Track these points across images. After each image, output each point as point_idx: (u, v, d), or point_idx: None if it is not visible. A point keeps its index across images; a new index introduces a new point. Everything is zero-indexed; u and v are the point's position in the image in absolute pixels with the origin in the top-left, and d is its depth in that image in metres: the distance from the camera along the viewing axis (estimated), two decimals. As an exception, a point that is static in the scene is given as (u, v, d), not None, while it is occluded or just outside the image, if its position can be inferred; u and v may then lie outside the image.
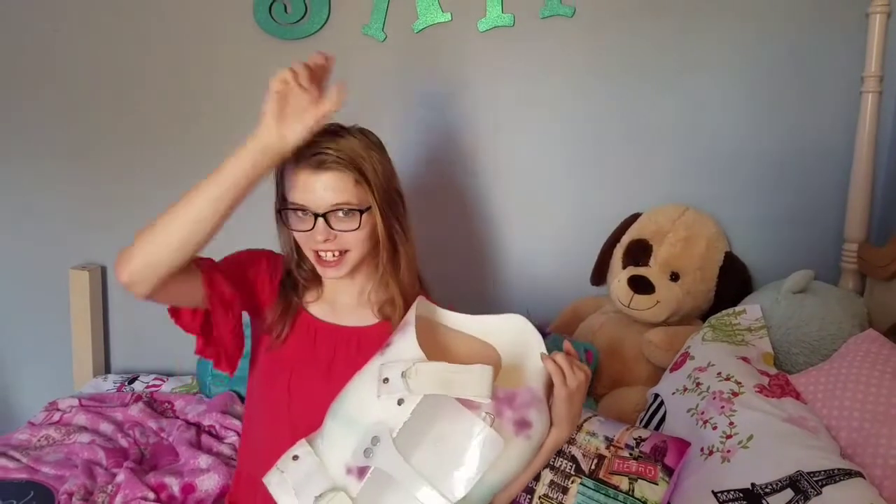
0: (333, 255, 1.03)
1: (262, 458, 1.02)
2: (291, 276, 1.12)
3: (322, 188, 0.99)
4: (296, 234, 1.04)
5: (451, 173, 1.80)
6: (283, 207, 1.04)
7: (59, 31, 1.84)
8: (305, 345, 1.09)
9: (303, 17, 1.74)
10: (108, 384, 1.87)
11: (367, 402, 0.86)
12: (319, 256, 1.03)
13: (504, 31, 1.70)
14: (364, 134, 1.05)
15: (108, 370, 2.00)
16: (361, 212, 1.01)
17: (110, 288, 1.98)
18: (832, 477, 0.95)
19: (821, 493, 0.93)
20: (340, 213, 1.00)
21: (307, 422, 0.98)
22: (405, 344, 0.89)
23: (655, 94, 1.69)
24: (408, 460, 0.82)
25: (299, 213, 1.01)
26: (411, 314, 0.93)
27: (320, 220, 0.99)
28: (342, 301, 1.13)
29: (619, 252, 1.64)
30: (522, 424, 0.86)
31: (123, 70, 1.85)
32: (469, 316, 1.01)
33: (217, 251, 1.07)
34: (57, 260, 1.94)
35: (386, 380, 0.84)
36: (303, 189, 1.00)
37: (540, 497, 1.15)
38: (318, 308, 1.12)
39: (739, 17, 1.64)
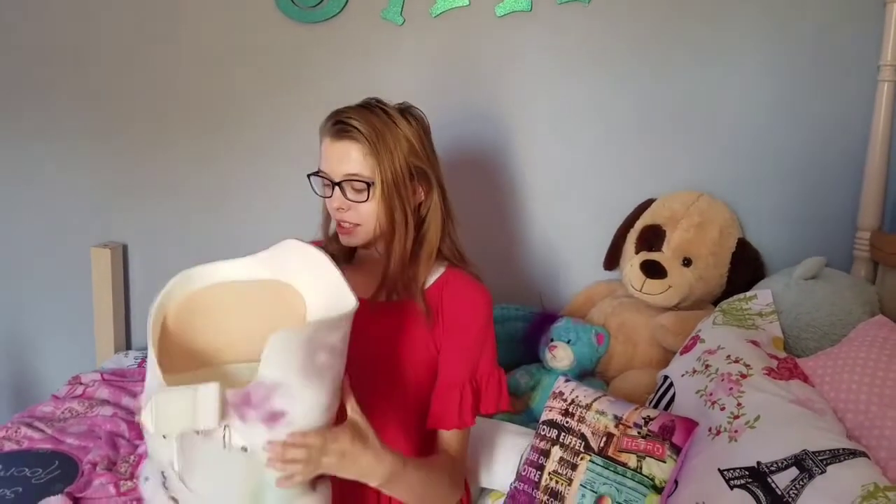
0: (350, 225, 1.06)
1: None
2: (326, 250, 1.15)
3: (337, 157, 1.03)
4: (323, 200, 1.10)
5: (466, 157, 1.82)
6: (312, 174, 1.08)
7: (85, 17, 1.88)
8: None
9: (322, 1, 1.76)
10: (129, 360, 1.93)
11: (153, 439, 0.84)
12: (340, 224, 1.07)
13: (521, 15, 1.71)
14: (400, 112, 1.06)
15: (128, 346, 2.06)
16: (369, 185, 1.02)
17: (131, 266, 2.03)
18: (837, 456, 0.97)
19: (825, 471, 0.95)
20: (354, 186, 1.03)
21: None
22: (150, 372, 0.83)
23: (672, 82, 1.70)
24: (190, 487, 0.81)
25: (324, 180, 1.06)
26: (150, 323, 0.84)
27: (337, 188, 1.03)
28: (370, 272, 1.13)
29: (632, 237, 1.66)
30: (273, 417, 0.80)
31: (147, 56, 1.90)
32: (240, 261, 0.93)
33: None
34: (80, 238, 2.00)
35: None
36: (325, 157, 1.05)
37: (549, 473, 1.19)
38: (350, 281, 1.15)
39: (759, 6, 1.64)
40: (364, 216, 1.05)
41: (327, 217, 1.14)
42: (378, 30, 1.76)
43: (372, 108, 1.05)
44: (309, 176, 1.09)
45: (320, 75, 1.83)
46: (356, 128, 1.01)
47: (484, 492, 1.33)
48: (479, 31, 1.74)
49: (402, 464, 0.96)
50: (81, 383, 1.76)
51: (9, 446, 1.47)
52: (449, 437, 1.11)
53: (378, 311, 1.10)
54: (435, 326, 1.10)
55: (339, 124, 1.02)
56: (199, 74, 1.88)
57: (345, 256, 1.15)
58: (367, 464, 0.90)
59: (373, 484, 0.93)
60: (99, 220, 2.00)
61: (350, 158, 1.02)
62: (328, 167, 1.05)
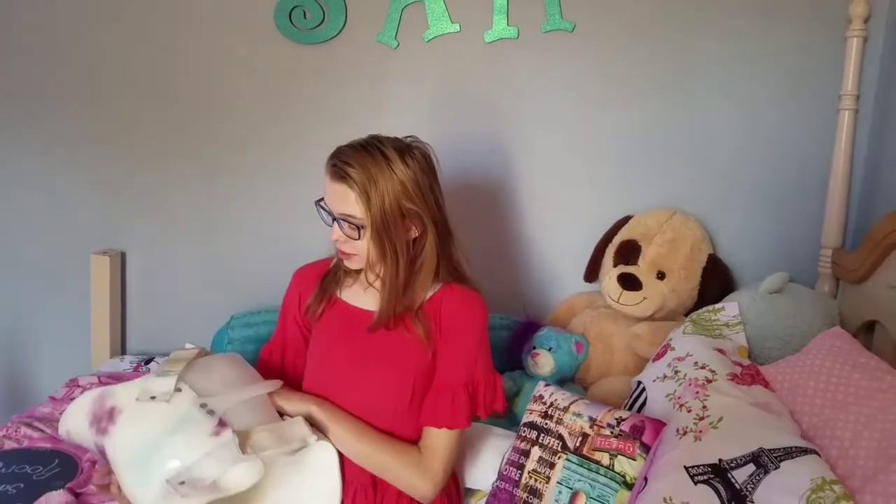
0: (347, 253, 1.17)
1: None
2: (332, 271, 1.28)
3: (334, 196, 1.12)
4: None
5: (456, 176, 1.91)
6: (318, 201, 1.18)
7: (91, 30, 1.95)
8: (337, 328, 1.24)
9: (321, 24, 1.85)
10: (124, 364, 1.98)
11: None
12: (339, 250, 1.19)
13: (509, 42, 1.82)
14: (399, 152, 1.11)
15: (123, 351, 2.11)
16: (360, 228, 1.11)
17: (129, 273, 2.09)
18: (790, 453, 1.05)
19: (779, 467, 1.04)
20: (346, 224, 1.13)
21: (335, 392, 1.20)
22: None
23: (648, 106, 1.80)
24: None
25: (325, 211, 1.17)
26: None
27: (336, 222, 1.14)
28: (371, 290, 1.22)
29: (610, 251, 1.75)
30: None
31: (150, 68, 1.96)
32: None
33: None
34: (79, 245, 2.05)
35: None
36: (326, 192, 1.15)
37: (529, 472, 1.26)
38: (352, 293, 1.26)
39: (728, 38, 1.75)
40: (358, 249, 1.15)
41: None
42: (373, 52, 1.85)
43: (370, 149, 1.10)
44: (317, 203, 1.18)
45: (318, 94, 1.91)
46: (349, 174, 1.08)
47: (469, 492, 1.39)
48: (470, 56, 1.84)
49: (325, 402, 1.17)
50: (79, 385, 1.81)
51: (9, 445, 1.53)
52: (435, 435, 1.18)
53: (375, 339, 1.21)
54: (432, 342, 1.19)
55: (336, 167, 1.10)
56: (201, 90, 1.96)
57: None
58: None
59: (312, 408, 1.15)
60: (99, 228, 2.06)
61: (345, 199, 1.10)
62: (329, 202, 1.15)
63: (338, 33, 1.85)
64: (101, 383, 1.81)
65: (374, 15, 1.83)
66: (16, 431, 1.57)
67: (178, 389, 1.04)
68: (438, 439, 1.18)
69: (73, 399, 1.73)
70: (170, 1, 1.92)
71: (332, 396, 1.21)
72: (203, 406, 1.03)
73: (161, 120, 1.99)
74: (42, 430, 1.59)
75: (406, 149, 1.13)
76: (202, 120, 1.98)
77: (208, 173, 2.00)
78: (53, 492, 1.34)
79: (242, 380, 1.14)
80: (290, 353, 1.32)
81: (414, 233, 1.16)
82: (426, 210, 1.13)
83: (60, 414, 1.67)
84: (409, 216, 1.13)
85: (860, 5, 1.64)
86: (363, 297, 1.24)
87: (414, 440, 1.22)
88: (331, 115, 1.90)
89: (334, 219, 1.15)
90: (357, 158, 1.09)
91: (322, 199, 1.17)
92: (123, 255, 2.08)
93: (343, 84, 1.89)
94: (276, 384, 1.18)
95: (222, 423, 1.01)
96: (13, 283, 2.12)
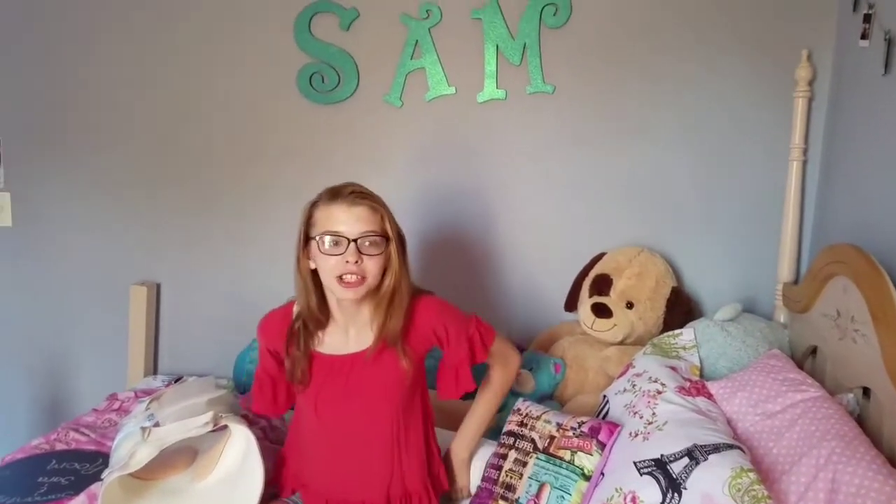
0: (356, 278, 1.24)
1: (305, 454, 1.43)
2: (300, 323, 1.33)
3: (356, 219, 1.24)
4: (325, 260, 1.24)
5: (452, 218, 2.16)
6: (322, 233, 1.24)
7: (133, 89, 2.26)
8: (323, 379, 1.34)
9: (336, 87, 2.13)
10: (157, 382, 2.22)
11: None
12: (342, 279, 1.24)
13: (498, 102, 2.08)
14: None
15: (156, 371, 2.35)
16: (386, 239, 1.27)
17: (163, 302, 2.35)
18: (717, 448, 1.25)
19: (707, 459, 1.23)
20: (367, 242, 1.24)
21: (333, 427, 1.37)
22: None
23: (619, 156, 2.05)
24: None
25: (334, 240, 1.24)
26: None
27: (352, 244, 1.23)
28: (352, 331, 1.34)
29: (586, 284, 1.97)
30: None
31: (189, 126, 2.25)
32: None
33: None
34: (121, 277, 2.33)
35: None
36: (338, 221, 1.24)
37: (506, 471, 1.46)
38: (328, 345, 1.35)
39: (688, 96, 1.99)
40: (371, 270, 1.25)
41: (307, 287, 1.32)
42: (381, 111, 2.12)
43: (364, 189, 1.31)
44: (322, 234, 1.25)
45: (333, 147, 2.18)
46: (370, 196, 1.28)
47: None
48: (464, 114, 2.10)
49: (463, 449, 1.46)
50: (118, 399, 2.05)
51: (60, 446, 1.76)
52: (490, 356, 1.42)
53: (356, 359, 1.34)
54: (412, 360, 1.34)
55: (355, 193, 1.26)
56: (231, 143, 2.23)
57: (319, 322, 1.34)
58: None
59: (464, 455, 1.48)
60: (138, 262, 2.32)
61: (368, 218, 1.25)
62: (344, 228, 1.23)
63: (351, 95, 2.13)
64: (136, 397, 2.05)
65: (382, 79, 2.11)
66: (65, 435, 1.80)
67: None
68: (496, 352, 1.43)
69: (114, 410, 1.99)
70: (207, 69, 2.22)
71: (335, 441, 1.37)
72: (149, 412, 1.54)
73: (193, 167, 2.27)
74: (88, 435, 1.82)
75: None
76: (230, 168, 2.25)
77: (233, 215, 2.26)
78: (98, 482, 1.56)
79: (193, 395, 1.53)
80: (280, 384, 1.42)
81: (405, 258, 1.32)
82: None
83: (102, 422, 1.93)
84: (404, 242, 1.33)
85: (804, 69, 1.88)
86: (344, 342, 1.35)
87: (418, 436, 1.41)
88: (342, 164, 2.17)
89: (351, 241, 1.22)
90: (364, 189, 1.29)
91: (326, 233, 1.24)
92: (158, 286, 2.34)
93: (354, 137, 2.16)
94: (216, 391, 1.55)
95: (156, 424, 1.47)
96: (61, 309, 2.38)
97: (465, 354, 1.37)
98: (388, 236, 1.28)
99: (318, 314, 1.33)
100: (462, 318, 1.39)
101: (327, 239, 1.24)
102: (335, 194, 1.27)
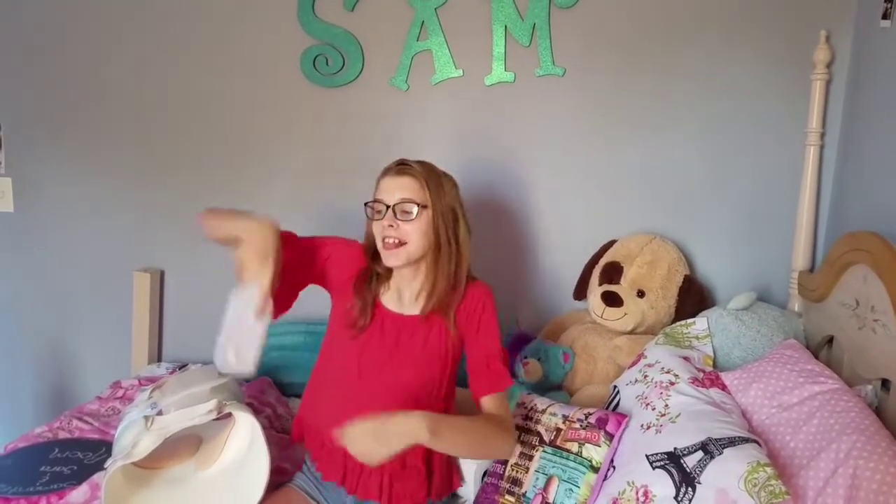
0: (394, 241, 1.32)
1: (325, 411, 1.39)
2: (371, 268, 1.40)
3: (396, 187, 1.33)
4: (372, 226, 1.37)
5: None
6: (369, 202, 1.37)
7: (139, 79, 2.22)
8: (376, 331, 1.39)
9: (341, 70, 2.09)
10: (160, 370, 2.20)
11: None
12: (385, 241, 1.33)
13: (506, 86, 2.03)
14: (443, 172, 1.39)
15: (160, 358, 2.33)
16: (419, 205, 1.31)
17: (166, 289, 2.33)
18: (733, 442, 1.22)
19: (722, 453, 1.20)
20: (405, 207, 1.31)
21: (370, 390, 1.35)
22: None
23: (631, 141, 2.00)
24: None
25: (377, 206, 1.34)
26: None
27: (390, 210, 1.32)
28: (406, 293, 1.40)
29: (596, 272, 1.93)
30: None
31: (193, 110, 2.22)
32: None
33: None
34: (124, 263, 2.30)
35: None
36: (382, 189, 1.35)
37: (512, 465, 1.44)
38: (388, 298, 1.41)
39: (701, 79, 1.94)
40: (410, 235, 1.32)
41: (369, 243, 1.41)
42: (387, 95, 2.08)
43: (428, 164, 1.38)
44: (366, 204, 1.37)
45: (338, 131, 2.14)
46: (414, 168, 1.34)
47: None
48: (471, 98, 2.05)
49: (434, 416, 1.20)
50: (122, 387, 2.03)
51: (63, 435, 1.74)
52: (500, 398, 1.35)
53: (409, 323, 1.38)
54: (460, 335, 1.38)
55: (402, 165, 1.35)
56: (236, 127, 2.20)
57: (383, 275, 1.41)
58: (401, 424, 1.16)
59: (423, 439, 1.15)
60: (141, 249, 2.30)
61: (407, 187, 1.32)
62: (385, 195, 1.33)
63: (355, 78, 2.09)
64: (140, 385, 2.03)
65: (388, 62, 2.07)
66: (69, 424, 1.79)
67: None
68: (503, 400, 1.37)
69: (117, 398, 1.97)
70: (209, 56, 2.17)
71: (367, 391, 1.36)
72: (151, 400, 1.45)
73: (196, 153, 2.24)
74: (91, 423, 1.80)
75: (445, 174, 1.41)
76: (237, 155, 2.21)
77: (238, 201, 2.23)
78: (101, 472, 1.54)
79: (196, 384, 1.49)
80: (304, 256, 1.40)
81: (462, 233, 1.39)
82: (466, 219, 1.39)
83: (106, 410, 1.92)
84: (459, 218, 1.38)
85: (823, 51, 1.82)
86: (398, 303, 1.41)
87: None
88: (348, 149, 2.13)
89: (388, 207, 1.31)
90: (420, 164, 1.36)
91: (370, 202, 1.36)
92: (162, 273, 2.32)
93: (359, 122, 2.12)
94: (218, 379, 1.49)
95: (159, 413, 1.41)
96: (65, 296, 2.36)
97: (495, 347, 1.37)
98: (425, 204, 1.33)
99: (383, 267, 1.40)
100: (498, 325, 1.41)
101: (371, 206, 1.36)
102: (388, 168, 1.38)
